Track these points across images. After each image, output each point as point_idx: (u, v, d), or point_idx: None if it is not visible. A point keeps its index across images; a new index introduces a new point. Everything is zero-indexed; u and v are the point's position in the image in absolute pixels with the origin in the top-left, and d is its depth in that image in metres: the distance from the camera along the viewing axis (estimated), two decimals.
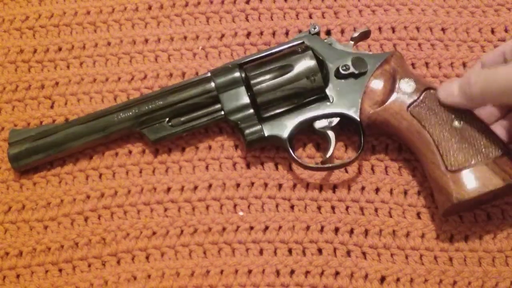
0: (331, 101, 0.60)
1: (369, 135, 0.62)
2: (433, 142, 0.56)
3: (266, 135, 0.60)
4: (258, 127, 0.60)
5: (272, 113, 0.60)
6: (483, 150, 0.55)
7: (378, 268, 0.59)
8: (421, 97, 0.58)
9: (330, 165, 0.61)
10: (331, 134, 0.61)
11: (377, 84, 0.60)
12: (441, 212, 0.58)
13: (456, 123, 0.56)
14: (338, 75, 0.61)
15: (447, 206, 0.55)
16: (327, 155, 0.60)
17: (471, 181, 0.54)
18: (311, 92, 0.60)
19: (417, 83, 0.59)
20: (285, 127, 0.60)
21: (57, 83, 0.69)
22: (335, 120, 0.61)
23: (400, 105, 0.58)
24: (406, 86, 0.59)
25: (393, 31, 0.69)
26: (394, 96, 0.59)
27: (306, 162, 0.63)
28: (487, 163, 0.54)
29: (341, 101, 0.60)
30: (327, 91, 0.60)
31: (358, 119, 0.59)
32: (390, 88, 0.59)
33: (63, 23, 0.72)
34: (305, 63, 0.60)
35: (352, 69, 0.60)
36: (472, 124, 0.56)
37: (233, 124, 0.62)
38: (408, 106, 0.58)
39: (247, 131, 0.60)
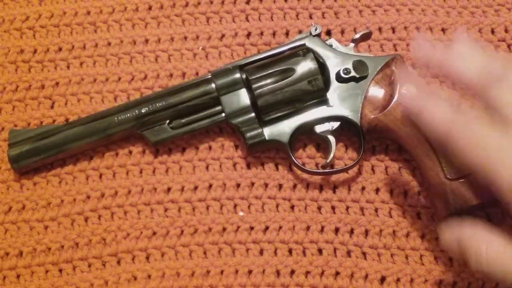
0: (332, 104, 0.60)
1: (369, 139, 0.62)
2: (432, 150, 0.56)
3: (267, 139, 0.60)
4: (259, 130, 0.60)
5: (273, 116, 0.60)
6: None
7: (378, 269, 0.59)
8: None
9: (330, 170, 0.61)
10: (331, 139, 0.60)
11: (378, 89, 0.59)
12: (438, 219, 0.58)
13: None
14: (339, 79, 0.60)
15: (445, 214, 0.56)
16: (327, 160, 0.60)
17: (470, 189, 0.53)
18: (312, 95, 0.60)
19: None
20: (286, 131, 0.60)
21: (57, 83, 0.69)
22: (336, 124, 0.60)
23: (400, 111, 0.58)
24: (406, 92, 0.58)
25: (393, 31, 0.69)
26: (394, 102, 0.58)
27: (306, 165, 0.63)
28: None
29: (341, 105, 0.60)
30: (328, 94, 0.60)
31: (359, 124, 0.59)
32: (391, 94, 0.59)
33: (63, 23, 0.72)
34: (306, 67, 0.59)
35: (353, 73, 0.60)
36: None
37: (234, 127, 0.62)
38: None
39: (248, 135, 0.60)
